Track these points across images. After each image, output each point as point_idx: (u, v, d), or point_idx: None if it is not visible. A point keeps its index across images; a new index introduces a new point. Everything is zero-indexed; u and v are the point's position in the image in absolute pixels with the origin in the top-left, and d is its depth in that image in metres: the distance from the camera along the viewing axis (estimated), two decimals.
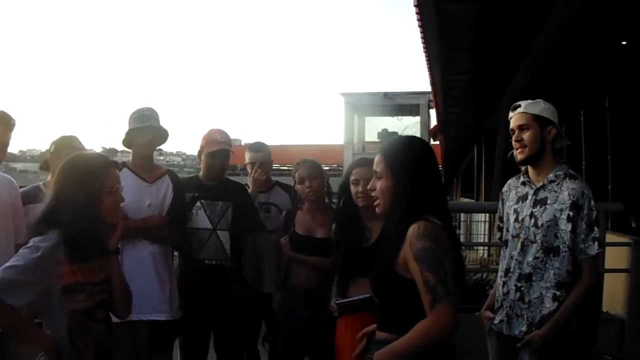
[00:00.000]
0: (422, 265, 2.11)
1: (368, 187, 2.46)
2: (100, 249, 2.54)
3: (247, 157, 4.37)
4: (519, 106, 2.99)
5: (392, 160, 2.34)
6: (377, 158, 2.40)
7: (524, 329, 2.88)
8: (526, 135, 2.94)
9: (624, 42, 7.77)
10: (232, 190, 4.00)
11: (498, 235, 3.24)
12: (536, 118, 2.93)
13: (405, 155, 2.34)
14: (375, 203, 2.42)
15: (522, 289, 2.91)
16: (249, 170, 4.38)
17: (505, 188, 3.20)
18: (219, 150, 3.90)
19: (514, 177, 3.16)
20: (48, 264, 2.33)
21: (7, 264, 2.30)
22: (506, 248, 3.06)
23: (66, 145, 3.66)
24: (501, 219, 3.18)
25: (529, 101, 2.98)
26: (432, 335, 2.09)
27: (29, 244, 2.37)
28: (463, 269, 2.44)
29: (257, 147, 4.42)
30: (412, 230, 2.17)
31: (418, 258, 2.13)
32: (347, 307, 3.21)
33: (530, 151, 2.95)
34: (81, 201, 2.42)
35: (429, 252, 2.12)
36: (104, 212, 2.51)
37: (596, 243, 2.80)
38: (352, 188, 3.32)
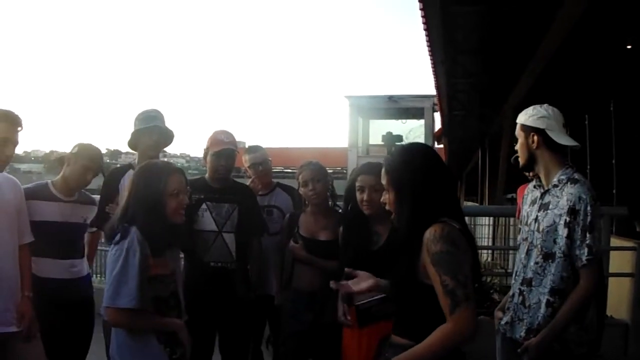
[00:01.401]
0: (440, 269, 2.08)
1: (381, 200, 2.45)
2: (169, 245, 2.86)
3: (246, 160, 4.37)
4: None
5: (392, 172, 2.35)
6: (382, 172, 2.41)
7: (523, 333, 2.88)
8: (517, 145, 3.04)
9: (629, 46, 7.76)
10: (238, 192, 3.99)
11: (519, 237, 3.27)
12: (522, 127, 3.00)
13: (402, 164, 2.33)
14: (392, 216, 2.41)
15: (524, 293, 2.91)
16: (250, 174, 4.38)
17: (525, 191, 3.23)
18: (223, 149, 3.88)
19: (533, 181, 3.18)
20: (143, 259, 2.64)
21: (116, 271, 2.62)
22: (519, 251, 3.08)
23: (88, 150, 3.68)
24: (521, 222, 3.21)
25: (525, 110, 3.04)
26: (452, 340, 2.06)
27: (123, 244, 2.64)
28: (480, 271, 2.41)
29: (253, 149, 4.43)
30: (429, 233, 2.13)
31: (436, 262, 2.09)
32: (365, 311, 3.15)
33: (521, 160, 3.04)
34: (149, 203, 2.72)
35: (446, 255, 2.09)
36: (169, 213, 2.77)
37: (586, 249, 2.74)
38: (358, 195, 3.31)
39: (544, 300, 2.82)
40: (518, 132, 3.01)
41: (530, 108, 2.99)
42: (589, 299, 2.82)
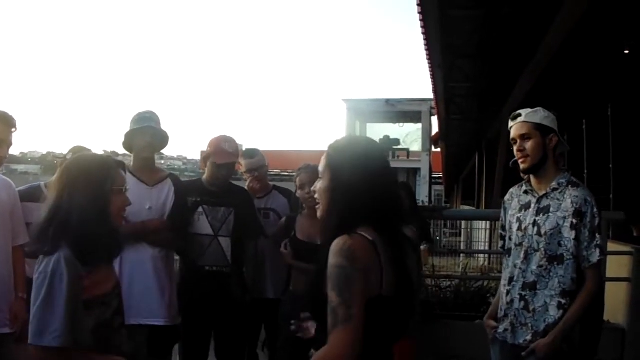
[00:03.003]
0: (330, 284, 1.93)
1: (312, 188, 2.29)
2: (109, 254, 2.42)
3: (243, 165, 4.32)
4: (520, 115, 2.98)
5: (333, 161, 2.14)
6: (322, 160, 2.19)
7: (528, 337, 2.86)
8: (528, 145, 2.93)
9: (626, 51, 7.78)
10: (234, 196, 3.97)
11: (501, 244, 3.22)
12: (537, 127, 2.92)
13: (346, 155, 2.12)
14: (316, 207, 2.20)
15: (527, 297, 2.89)
16: (246, 177, 4.36)
17: (507, 197, 3.19)
18: (226, 163, 3.87)
19: (516, 186, 3.15)
20: (73, 284, 2.18)
21: (38, 303, 2.14)
22: (509, 257, 3.03)
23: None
24: (503, 228, 3.17)
25: (529, 110, 2.97)
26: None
27: (46, 269, 2.17)
28: (410, 287, 2.16)
29: (251, 154, 4.36)
30: (333, 245, 1.98)
31: (329, 275, 1.95)
32: None
33: (533, 160, 2.93)
34: (91, 203, 2.26)
35: (338, 271, 1.93)
36: (113, 214, 2.36)
37: (598, 250, 2.79)
38: None
39: (554, 303, 2.82)
40: (531, 131, 2.91)
41: (540, 109, 2.95)
42: (594, 299, 2.85)
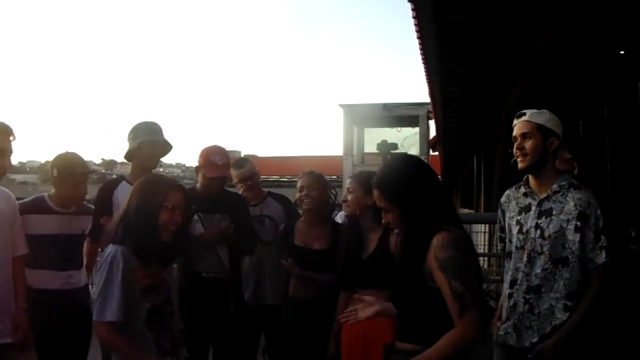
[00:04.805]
0: (449, 275, 2.13)
1: (383, 222, 2.48)
2: (163, 258, 2.80)
3: (234, 175, 4.34)
4: (524, 114, 2.99)
5: (386, 191, 2.38)
6: (375, 194, 2.44)
7: (534, 340, 2.86)
8: (528, 144, 2.94)
9: (622, 52, 7.79)
10: (229, 203, 3.98)
11: (500, 246, 3.22)
12: (540, 127, 2.93)
13: (394, 180, 2.37)
14: (396, 232, 2.47)
15: (531, 300, 2.89)
16: (239, 187, 4.37)
17: (504, 199, 3.19)
18: (217, 177, 3.89)
19: (513, 188, 3.15)
20: (128, 272, 2.60)
21: (100, 286, 2.59)
22: (510, 260, 3.03)
23: (67, 165, 3.67)
24: (502, 230, 3.17)
25: (535, 110, 2.98)
26: (462, 343, 2.11)
27: (107, 258, 2.62)
28: (481, 275, 2.45)
29: (240, 163, 4.40)
30: (436, 240, 2.19)
31: (444, 267, 2.15)
32: None
33: (531, 160, 2.95)
34: (143, 213, 2.66)
35: (454, 261, 2.15)
36: (160, 226, 2.68)
37: (603, 252, 2.79)
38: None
39: (561, 305, 2.82)
40: (533, 131, 2.94)
41: (545, 111, 2.98)
42: (602, 300, 2.84)
